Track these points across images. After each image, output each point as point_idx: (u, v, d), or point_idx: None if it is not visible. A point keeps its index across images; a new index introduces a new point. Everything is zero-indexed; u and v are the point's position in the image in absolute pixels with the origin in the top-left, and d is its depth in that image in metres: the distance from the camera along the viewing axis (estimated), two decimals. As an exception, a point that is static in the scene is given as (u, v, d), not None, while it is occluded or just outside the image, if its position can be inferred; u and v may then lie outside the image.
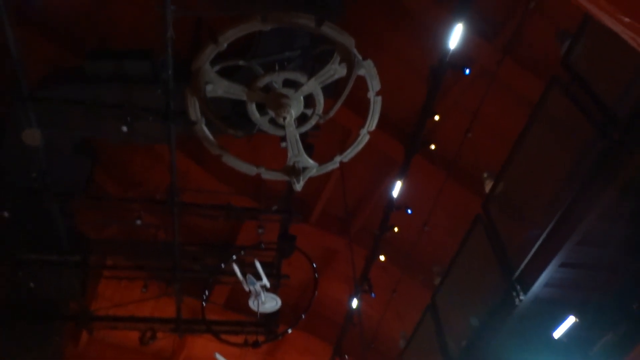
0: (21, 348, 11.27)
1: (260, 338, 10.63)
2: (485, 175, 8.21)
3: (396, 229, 10.09)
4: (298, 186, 4.57)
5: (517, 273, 6.43)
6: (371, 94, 4.25)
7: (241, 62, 4.33)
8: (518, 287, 6.38)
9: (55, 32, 10.50)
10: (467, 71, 7.87)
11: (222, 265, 9.30)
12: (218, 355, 6.36)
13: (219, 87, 4.13)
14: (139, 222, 10.41)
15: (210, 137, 4.44)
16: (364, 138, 4.56)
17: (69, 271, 11.34)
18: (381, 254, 10.67)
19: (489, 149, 9.64)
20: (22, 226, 10.44)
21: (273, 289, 10.51)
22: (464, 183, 10.71)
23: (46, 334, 11.75)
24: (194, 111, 4.25)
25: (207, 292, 9.37)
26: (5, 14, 7.04)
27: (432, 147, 9.54)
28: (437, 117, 8.59)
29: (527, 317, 6.56)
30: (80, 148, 10.76)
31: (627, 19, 2.21)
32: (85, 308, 12.23)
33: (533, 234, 6.18)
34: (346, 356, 11.78)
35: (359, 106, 5.14)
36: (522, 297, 6.33)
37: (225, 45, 3.87)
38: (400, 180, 9.36)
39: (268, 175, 4.65)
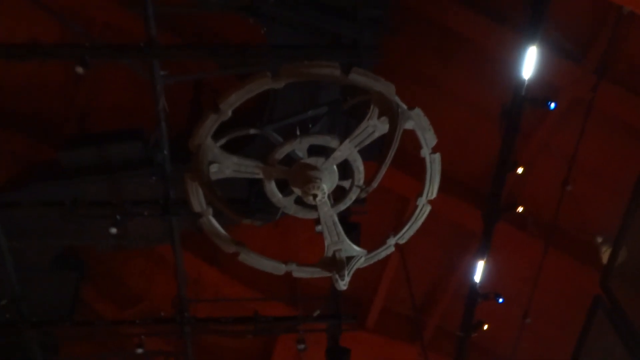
0: None
1: None
2: (599, 240, 7.97)
3: (486, 327, 9.74)
4: (342, 284, 4.47)
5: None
6: (425, 152, 4.20)
7: (252, 131, 4.41)
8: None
9: (24, 119, 11.08)
10: (552, 105, 7.83)
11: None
12: None
13: (226, 166, 4.17)
14: (140, 350, 10.38)
15: (222, 231, 4.45)
16: (424, 210, 4.48)
17: None
18: (469, 363, 10.28)
19: (598, 203, 9.40)
20: (-5, 369, 10.55)
21: None
22: (571, 253, 10.38)
23: None
24: (197, 201, 4.29)
25: None
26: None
27: (520, 209, 9.36)
28: (520, 170, 8.49)
29: None
30: (62, 261, 10.99)
31: None
32: None
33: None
34: None
35: (414, 166, 5.11)
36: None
37: (229, 112, 3.96)
38: (482, 258, 9.16)
39: (301, 273, 4.59)
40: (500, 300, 9.54)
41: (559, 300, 10.54)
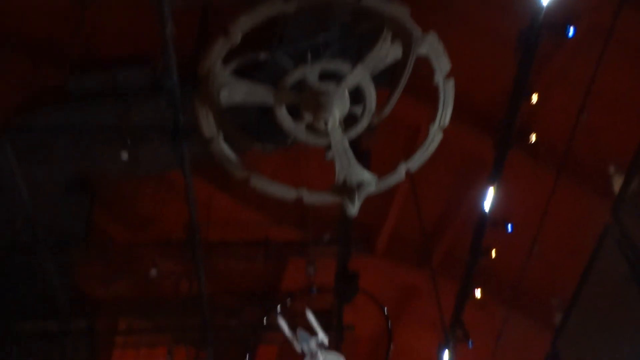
0: None
1: (324, 412, 10.60)
2: (612, 169, 7.92)
3: (494, 253, 9.85)
4: (353, 209, 4.53)
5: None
6: (439, 78, 4.17)
7: (263, 56, 4.37)
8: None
9: (31, 45, 10.96)
10: (572, 31, 7.63)
11: (265, 320, 9.36)
12: None
13: (236, 92, 4.15)
14: (154, 272, 10.64)
15: (232, 156, 4.47)
16: (435, 137, 4.50)
17: (74, 341, 11.70)
18: (477, 288, 10.45)
19: (613, 132, 9.31)
20: (12, 289, 10.86)
21: (334, 346, 10.47)
22: (582, 182, 10.37)
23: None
24: (208, 126, 4.30)
25: (248, 356, 9.44)
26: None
27: (533, 137, 9.29)
28: (535, 98, 8.37)
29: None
30: (75, 185, 11.12)
31: None
32: (97, 387, 12.58)
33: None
34: None
35: (427, 94, 5.05)
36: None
37: (239, 37, 3.90)
38: (493, 186, 9.16)
39: (312, 198, 4.64)
40: (510, 227, 9.61)
41: (568, 229, 10.60)
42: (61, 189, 10.72)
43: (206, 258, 10.57)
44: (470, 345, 10.23)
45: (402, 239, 12.90)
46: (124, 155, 8.54)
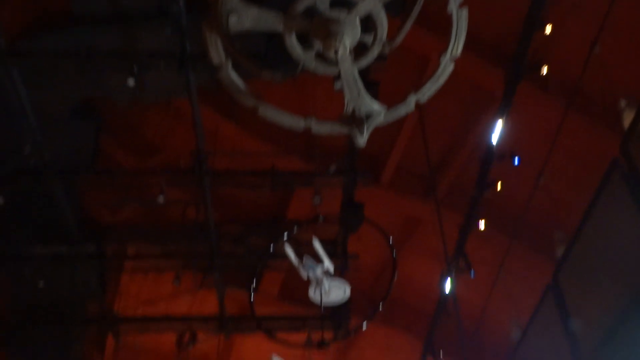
0: (37, 359, 12.10)
1: (327, 335, 10.89)
2: (622, 103, 7.84)
3: (499, 186, 9.88)
4: (361, 140, 4.51)
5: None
6: (453, 7, 4.08)
7: (272, -19, 4.26)
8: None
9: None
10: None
11: (272, 247, 9.49)
12: (276, 358, 6.59)
13: (245, 18, 4.07)
14: (161, 198, 10.74)
15: (241, 84, 4.42)
16: (446, 68, 4.43)
17: (84, 265, 11.96)
18: (480, 219, 10.54)
19: (626, 66, 9.17)
20: (22, 214, 11.02)
21: (339, 274, 10.67)
22: (592, 116, 10.29)
23: (64, 341, 12.55)
24: (216, 52, 4.23)
25: (255, 282, 9.62)
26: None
27: (544, 70, 9.16)
28: (548, 29, 8.21)
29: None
30: (81, 112, 11.11)
31: None
32: (107, 308, 12.91)
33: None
34: (441, 353, 11.87)
35: (438, 25, 4.96)
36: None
37: (248, -41, 3.80)
38: (501, 118, 9.11)
39: (321, 128, 4.61)
40: (516, 160, 9.59)
41: (575, 163, 10.60)
42: (67, 116, 10.71)
43: (213, 186, 10.66)
44: (473, 276, 10.40)
45: (407, 171, 12.93)
46: (131, 82, 8.48)
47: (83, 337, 13.21)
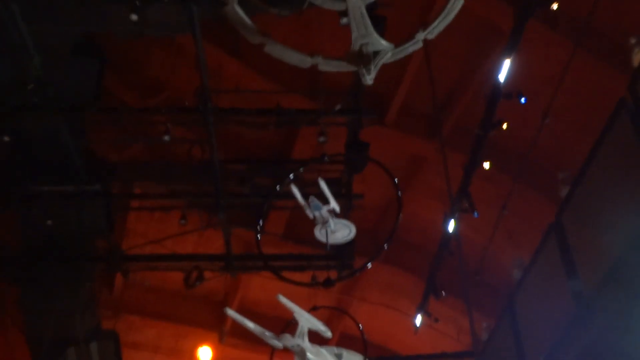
0: (49, 297, 12.32)
1: (332, 275, 11.05)
2: (632, 41, 7.68)
3: (505, 125, 9.82)
4: (368, 78, 4.45)
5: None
6: (464, -61, 3.95)
7: None
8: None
9: None
10: None
11: (277, 187, 9.49)
12: (282, 298, 6.69)
13: (251, -50, 3.96)
14: (167, 137, 10.71)
15: (247, 19, 4.33)
16: (457, 2, 4.31)
17: (90, 203, 12.03)
18: (485, 160, 10.52)
19: (638, 4, 8.97)
20: (27, 152, 11.02)
21: (344, 214, 10.72)
22: (601, 54, 10.15)
23: (75, 279, 12.76)
24: (221, -14, 4.14)
25: (261, 221, 9.69)
26: None
27: (554, 6, 8.96)
28: (560, -37, 7.99)
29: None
30: (83, 48, 10.93)
31: None
32: (115, 246, 13.08)
33: None
34: (443, 292, 12.05)
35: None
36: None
37: None
38: (508, 56, 8.97)
39: (327, 66, 4.55)
40: (523, 99, 9.50)
41: (582, 103, 10.52)
42: (69, 52, 10.57)
43: (218, 125, 10.61)
44: (476, 215, 10.46)
45: (413, 110, 12.87)
46: (133, 17, 8.31)
47: (93, 274, 13.43)
